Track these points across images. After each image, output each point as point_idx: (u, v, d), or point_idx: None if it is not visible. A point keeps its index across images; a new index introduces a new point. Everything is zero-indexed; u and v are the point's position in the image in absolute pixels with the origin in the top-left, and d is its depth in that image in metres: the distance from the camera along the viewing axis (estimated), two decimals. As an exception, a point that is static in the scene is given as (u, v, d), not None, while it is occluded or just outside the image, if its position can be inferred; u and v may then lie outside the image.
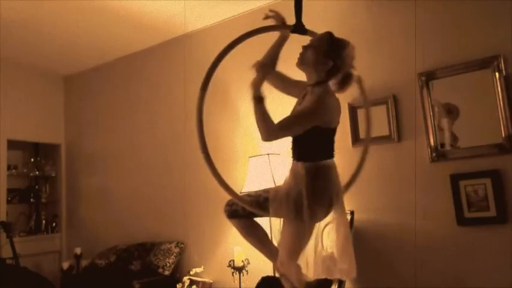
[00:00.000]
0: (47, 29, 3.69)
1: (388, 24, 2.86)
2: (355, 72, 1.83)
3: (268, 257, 2.01)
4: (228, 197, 1.95)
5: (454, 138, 2.61)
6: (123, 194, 4.17)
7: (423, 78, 2.69)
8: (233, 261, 3.00)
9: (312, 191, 1.74)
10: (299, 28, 1.92)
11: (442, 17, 2.71)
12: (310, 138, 1.83)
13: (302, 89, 1.93)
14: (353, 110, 2.94)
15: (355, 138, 2.93)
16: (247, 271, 2.99)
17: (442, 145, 2.63)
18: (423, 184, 2.64)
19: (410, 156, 2.70)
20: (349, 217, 2.56)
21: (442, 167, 2.61)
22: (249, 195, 1.96)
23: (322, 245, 1.93)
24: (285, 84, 2.04)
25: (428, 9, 2.74)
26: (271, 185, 2.95)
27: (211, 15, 3.59)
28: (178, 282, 3.21)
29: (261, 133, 1.73)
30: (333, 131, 1.86)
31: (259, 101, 1.75)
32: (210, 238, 3.52)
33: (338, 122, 1.87)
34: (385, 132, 2.81)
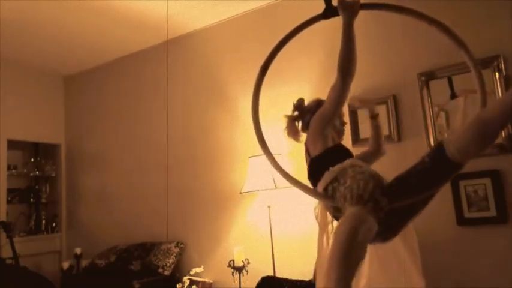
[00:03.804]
0: (47, 29, 3.69)
1: (388, 24, 2.86)
2: None
3: None
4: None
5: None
6: (123, 194, 4.17)
7: (423, 78, 2.70)
8: (233, 261, 3.00)
9: None
10: (330, 11, 1.74)
11: (442, 17, 2.69)
12: None
13: None
14: (353, 110, 2.95)
15: (355, 138, 2.93)
16: (247, 271, 2.99)
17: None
18: (423, 184, 2.64)
19: (410, 156, 2.69)
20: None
21: (442, 167, 2.60)
22: None
23: None
24: None
25: (428, 9, 2.73)
26: (271, 186, 2.97)
27: (211, 15, 3.59)
28: (178, 282, 3.21)
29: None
30: None
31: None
32: (210, 238, 3.52)
33: None
34: (385, 132, 2.80)
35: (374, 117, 2.06)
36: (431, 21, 1.80)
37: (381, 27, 2.88)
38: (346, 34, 1.63)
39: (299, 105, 1.97)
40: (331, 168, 1.67)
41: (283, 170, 1.72)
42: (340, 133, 1.97)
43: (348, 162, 1.67)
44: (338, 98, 1.69)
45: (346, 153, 1.82)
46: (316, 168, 1.77)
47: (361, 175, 1.55)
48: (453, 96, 2.62)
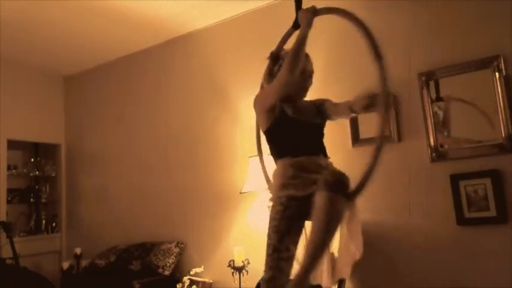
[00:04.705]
0: (47, 29, 3.69)
1: (388, 24, 2.86)
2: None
3: None
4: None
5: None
6: (123, 194, 4.18)
7: (423, 78, 2.69)
8: (233, 261, 3.00)
9: None
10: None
11: (442, 17, 2.71)
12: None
13: None
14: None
15: (355, 139, 2.93)
16: (247, 271, 2.99)
17: (442, 145, 2.63)
18: (423, 184, 2.64)
19: (410, 156, 2.70)
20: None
21: (442, 167, 2.61)
22: None
23: None
24: None
25: (428, 9, 2.74)
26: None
27: (211, 15, 3.59)
28: (178, 282, 3.21)
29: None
30: None
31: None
32: (210, 238, 3.52)
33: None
34: (385, 132, 2.81)
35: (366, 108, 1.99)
36: (359, 24, 1.93)
37: (381, 27, 2.88)
38: (301, 39, 1.86)
39: (275, 54, 2.08)
40: (273, 173, 1.96)
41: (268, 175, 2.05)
42: (302, 84, 2.03)
43: (279, 195, 1.86)
44: (283, 88, 1.84)
45: (291, 132, 1.94)
46: (270, 148, 2.02)
47: (274, 227, 1.84)
48: (438, 99, 2.64)
